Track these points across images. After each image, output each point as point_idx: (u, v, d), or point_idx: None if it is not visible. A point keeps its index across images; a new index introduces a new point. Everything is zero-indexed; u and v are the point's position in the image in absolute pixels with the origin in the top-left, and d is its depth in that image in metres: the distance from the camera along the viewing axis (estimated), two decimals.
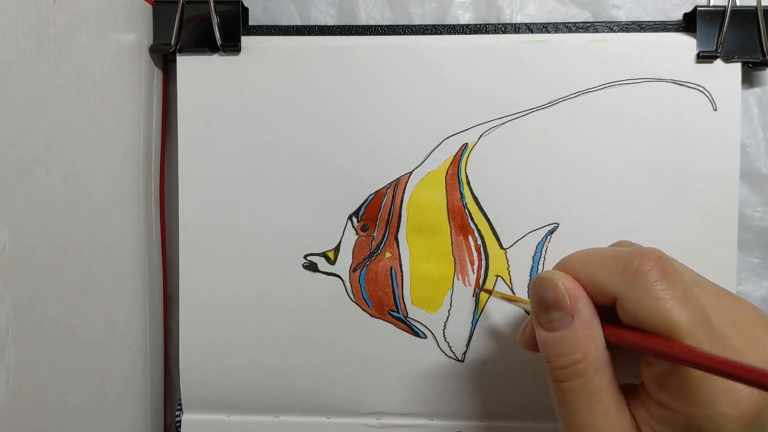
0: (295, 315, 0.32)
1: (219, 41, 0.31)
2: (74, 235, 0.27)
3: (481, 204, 0.31)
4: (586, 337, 0.22)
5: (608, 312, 0.23)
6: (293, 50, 0.31)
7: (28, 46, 0.23)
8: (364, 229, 0.31)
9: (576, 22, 0.31)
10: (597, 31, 0.31)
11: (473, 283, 0.31)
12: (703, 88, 0.30)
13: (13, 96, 0.23)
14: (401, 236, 0.31)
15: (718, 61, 0.30)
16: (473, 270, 0.31)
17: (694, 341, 0.20)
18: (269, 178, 0.31)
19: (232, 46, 0.31)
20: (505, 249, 0.31)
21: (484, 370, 0.31)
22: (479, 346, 0.31)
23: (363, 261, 0.31)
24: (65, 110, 0.26)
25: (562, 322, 0.22)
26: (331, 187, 0.31)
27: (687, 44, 0.30)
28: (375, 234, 0.31)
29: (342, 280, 0.31)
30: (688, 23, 0.30)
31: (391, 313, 0.31)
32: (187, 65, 0.31)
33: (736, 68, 0.30)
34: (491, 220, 0.31)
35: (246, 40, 0.31)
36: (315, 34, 0.31)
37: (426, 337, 0.31)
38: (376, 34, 0.31)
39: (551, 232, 0.31)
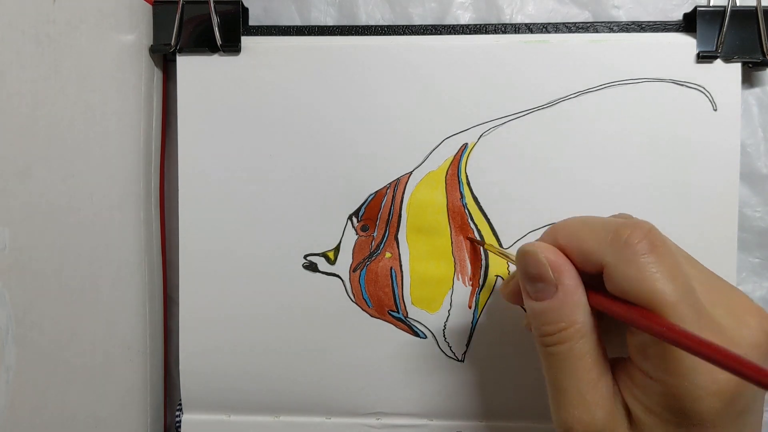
0: (295, 315, 0.32)
1: (219, 41, 0.31)
2: (74, 235, 0.27)
3: (481, 204, 0.31)
4: (571, 306, 0.22)
5: (595, 279, 0.23)
6: (293, 50, 0.31)
7: (28, 46, 0.23)
8: (364, 229, 0.31)
9: (576, 22, 0.31)
10: (597, 32, 0.31)
11: (473, 283, 0.31)
12: (703, 88, 0.30)
13: (13, 96, 0.23)
14: (401, 236, 0.31)
15: (718, 61, 0.30)
16: (473, 270, 0.31)
17: (677, 317, 0.20)
18: (269, 178, 0.31)
19: (232, 47, 0.31)
20: (505, 249, 0.31)
21: (484, 370, 0.31)
22: (479, 346, 0.31)
23: (363, 261, 0.31)
24: (65, 110, 0.26)
25: (546, 292, 0.23)
26: (331, 187, 0.31)
27: (687, 44, 0.30)
28: (375, 234, 0.31)
29: (342, 280, 0.31)
30: (688, 23, 0.30)
31: (391, 313, 0.31)
32: (187, 65, 0.31)
33: (736, 68, 0.30)
34: (491, 220, 0.31)
35: (246, 40, 0.31)
36: (315, 35, 0.31)
37: (426, 337, 0.32)
38: (376, 34, 0.31)
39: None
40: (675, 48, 0.30)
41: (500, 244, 0.31)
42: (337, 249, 0.31)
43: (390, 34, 0.31)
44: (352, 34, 0.31)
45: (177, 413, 0.33)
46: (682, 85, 0.30)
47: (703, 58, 0.30)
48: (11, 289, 0.23)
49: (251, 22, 0.33)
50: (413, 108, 0.31)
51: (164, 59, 0.33)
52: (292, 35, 0.32)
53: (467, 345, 0.31)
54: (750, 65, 0.31)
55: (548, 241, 0.24)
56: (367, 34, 0.31)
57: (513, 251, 0.31)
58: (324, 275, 0.31)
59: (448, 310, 0.31)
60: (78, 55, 0.26)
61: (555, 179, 0.30)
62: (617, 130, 0.30)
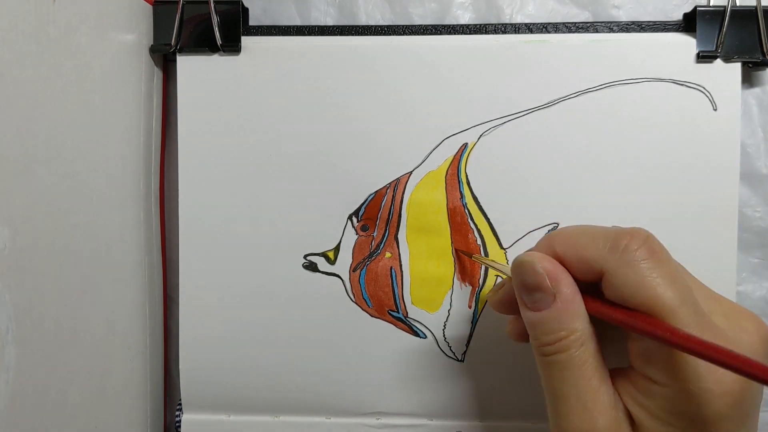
0: (295, 315, 0.32)
1: (219, 41, 0.31)
2: (74, 235, 0.27)
3: (481, 204, 0.31)
4: (569, 315, 0.22)
5: (594, 287, 0.23)
6: (293, 50, 0.31)
7: (28, 46, 0.23)
8: (364, 229, 0.31)
9: (576, 22, 0.31)
10: (597, 31, 0.31)
11: (473, 283, 0.31)
12: (703, 88, 0.30)
13: (13, 96, 0.23)
14: (401, 236, 0.31)
15: (718, 61, 0.30)
16: (473, 270, 0.31)
17: (678, 320, 0.20)
18: (269, 178, 0.31)
19: (232, 46, 0.31)
20: (504, 249, 0.31)
21: (483, 370, 0.31)
22: (479, 346, 0.31)
23: (363, 261, 0.31)
24: (65, 110, 0.26)
25: (544, 302, 0.23)
26: (331, 187, 0.31)
27: (687, 44, 0.30)
28: (375, 234, 0.31)
29: (342, 280, 0.31)
30: (688, 23, 0.30)
31: (391, 313, 0.31)
32: (187, 65, 0.31)
33: (736, 68, 0.30)
34: (491, 220, 0.31)
35: (246, 40, 0.31)
36: (315, 34, 0.31)
37: (426, 337, 0.32)
38: (376, 34, 0.31)
39: (551, 231, 0.31)
40: (675, 48, 0.30)
41: (500, 244, 0.31)
42: (337, 249, 0.31)
43: (390, 34, 0.31)
44: (352, 34, 0.31)
45: (177, 413, 0.33)
46: (682, 84, 0.30)
47: (703, 58, 0.30)
48: (11, 289, 0.23)
49: (251, 22, 0.33)
50: (413, 108, 0.31)
51: (164, 59, 0.33)
52: (292, 35, 0.32)
53: (467, 345, 0.31)
54: (750, 65, 0.31)
55: (544, 251, 0.24)
56: (367, 34, 0.31)
57: (513, 251, 0.31)
58: (324, 275, 0.31)
59: (448, 310, 0.31)
60: (78, 55, 0.26)
61: (555, 179, 0.30)
62: (617, 130, 0.30)
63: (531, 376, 0.31)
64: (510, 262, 0.31)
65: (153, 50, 0.31)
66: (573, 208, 0.30)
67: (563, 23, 0.31)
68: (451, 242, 0.31)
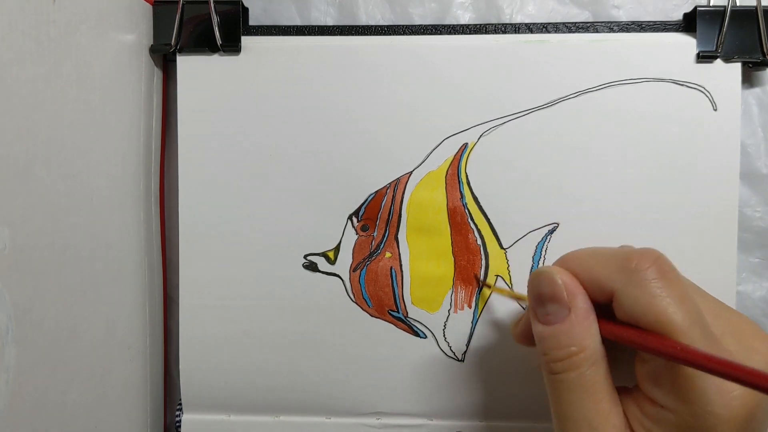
0: (295, 315, 0.32)
1: (219, 41, 0.31)
2: (74, 235, 0.27)
3: (481, 204, 0.31)
4: (583, 330, 0.22)
5: (604, 309, 0.23)
6: (293, 50, 0.31)
7: (28, 46, 0.23)
8: (364, 228, 0.31)
9: (576, 22, 0.31)
10: (597, 31, 0.31)
11: (473, 283, 0.31)
12: (703, 88, 0.30)
13: (13, 96, 0.23)
14: (401, 236, 0.31)
15: (718, 61, 0.30)
16: (473, 270, 0.31)
17: (689, 340, 0.20)
18: (269, 178, 0.31)
19: (232, 46, 0.31)
20: (505, 249, 0.31)
21: (484, 370, 0.31)
22: (479, 346, 0.31)
23: (363, 261, 0.31)
24: (65, 110, 0.26)
25: (559, 315, 0.23)
26: (331, 186, 0.31)
27: (687, 44, 0.30)
28: (375, 234, 0.31)
29: (342, 280, 0.31)
30: (688, 23, 0.30)
31: (391, 313, 0.31)
32: (187, 65, 0.31)
33: (736, 68, 0.30)
34: (491, 220, 0.31)
35: (246, 40, 0.31)
36: (315, 34, 0.31)
37: (426, 337, 0.31)
38: (376, 34, 0.31)
39: (551, 231, 0.31)
40: (675, 48, 0.30)
41: (500, 244, 0.31)
42: (337, 249, 0.31)
43: (390, 34, 0.31)
44: (352, 34, 0.31)
45: (177, 413, 0.33)
46: (682, 85, 0.30)
47: (703, 58, 0.30)
48: (11, 289, 0.23)
49: (251, 22, 0.33)
50: (413, 108, 0.31)
51: (164, 59, 0.33)
52: (292, 35, 0.32)
53: (467, 345, 0.31)
54: (750, 65, 0.31)
55: None
56: (367, 34, 0.31)
57: (513, 251, 0.31)
58: (324, 275, 0.31)
59: (448, 310, 0.31)
60: (78, 55, 0.26)
61: (555, 179, 0.30)
62: (617, 130, 0.30)
63: (531, 376, 0.31)
64: (510, 263, 0.31)
65: (153, 50, 0.31)
66: (573, 208, 0.30)
67: (563, 23, 0.31)
68: (451, 242, 0.31)
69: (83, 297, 0.27)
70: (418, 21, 0.33)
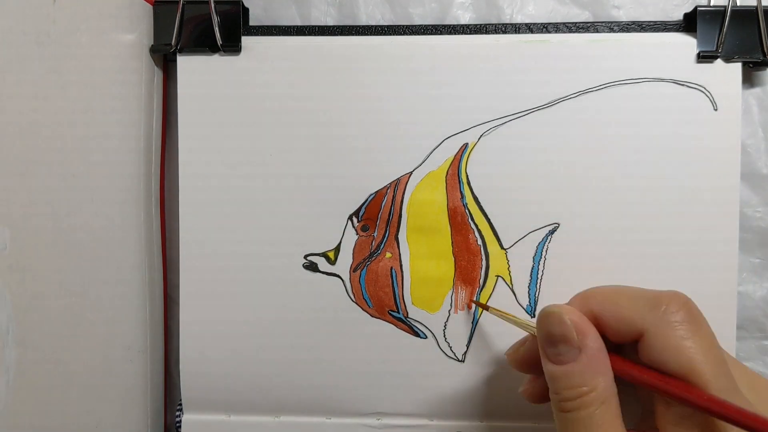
0: (296, 315, 0.32)
1: (219, 41, 0.31)
2: (74, 235, 0.27)
3: (482, 204, 0.31)
4: (594, 370, 0.22)
5: (618, 351, 0.23)
6: (293, 50, 0.31)
7: (28, 46, 0.23)
8: (364, 229, 0.31)
9: (576, 22, 0.31)
10: (597, 31, 0.31)
11: (474, 283, 0.31)
12: (704, 88, 0.30)
13: (13, 96, 0.23)
14: (401, 236, 0.31)
15: (719, 61, 0.30)
16: (473, 270, 0.31)
17: (715, 388, 0.20)
18: (269, 178, 0.31)
19: (232, 46, 0.31)
20: (505, 249, 0.31)
21: (484, 370, 0.31)
22: (479, 346, 0.31)
23: (363, 261, 0.31)
24: (65, 110, 0.26)
25: (569, 355, 0.23)
26: (332, 187, 0.31)
27: (687, 44, 0.30)
28: (375, 234, 0.31)
29: (342, 280, 0.31)
30: (689, 23, 0.30)
31: (392, 313, 0.31)
32: (187, 65, 0.31)
33: (736, 68, 0.30)
34: (491, 220, 0.31)
35: (246, 40, 0.31)
36: (315, 34, 0.31)
37: (426, 337, 0.31)
38: (376, 34, 0.31)
39: (552, 232, 0.31)
40: (675, 48, 0.30)
41: (500, 245, 0.31)
42: (337, 249, 0.31)
43: (390, 34, 0.31)
44: (353, 34, 0.31)
45: (177, 413, 0.33)
46: (683, 85, 0.30)
47: (704, 57, 0.30)
48: (11, 289, 0.23)
49: (251, 22, 0.33)
50: (413, 108, 0.31)
51: (164, 59, 0.33)
52: (292, 35, 0.32)
53: (467, 345, 0.31)
54: (750, 65, 0.31)
55: (579, 308, 0.24)
56: (367, 34, 0.31)
57: (513, 251, 0.31)
58: (324, 275, 0.31)
59: (449, 311, 0.31)
60: (78, 55, 0.26)
61: (555, 179, 0.30)
62: (617, 130, 0.30)
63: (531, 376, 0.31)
64: (510, 263, 0.31)
65: (153, 50, 0.31)
66: (573, 208, 0.30)
67: (563, 23, 0.31)
68: (452, 243, 0.31)
69: (83, 297, 0.27)
70: (418, 21, 0.33)
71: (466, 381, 0.31)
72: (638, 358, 0.23)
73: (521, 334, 0.31)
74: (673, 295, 0.22)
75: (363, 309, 0.31)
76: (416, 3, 0.33)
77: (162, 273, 0.34)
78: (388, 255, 0.31)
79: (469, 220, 0.31)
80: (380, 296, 0.31)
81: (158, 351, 0.34)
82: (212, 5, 0.30)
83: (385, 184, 0.31)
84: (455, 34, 0.31)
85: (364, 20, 0.33)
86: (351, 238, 0.31)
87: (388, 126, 0.31)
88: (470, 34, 0.31)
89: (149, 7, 0.31)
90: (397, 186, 0.31)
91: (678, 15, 0.32)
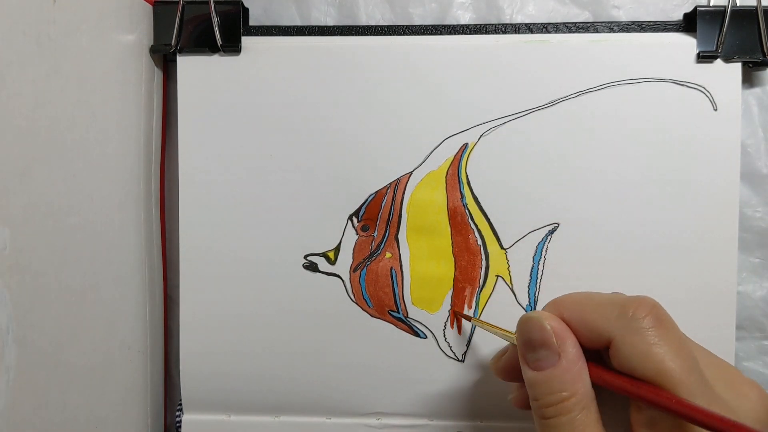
0: (296, 315, 0.32)
1: (219, 41, 0.31)
2: (74, 235, 0.27)
3: (481, 204, 0.31)
4: (573, 375, 0.22)
5: (594, 356, 0.23)
6: (293, 50, 0.31)
7: (28, 46, 0.23)
8: (364, 229, 0.31)
9: (576, 23, 0.31)
10: (597, 32, 0.31)
11: (473, 283, 0.31)
12: (704, 88, 0.30)
13: (13, 96, 0.23)
14: (401, 236, 0.31)
15: (719, 61, 0.30)
16: (473, 270, 0.31)
17: (686, 389, 0.20)
18: (269, 178, 0.31)
19: (232, 47, 0.31)
20: (505, 249, 0.31)
21: (484, 370, 0.31)
22: (479, 346, 0.31)
23: (363, 261, 0.31)
24: (65, 110, 0.26)
25: (548, 361, 0.23)
26: (332, 187, 0.31)
27: (687, 44, 0.30)
28: (375, 234, 0.31)
29: (342, 280, 0.31)
30: (689, 23, 0.30)
31: (392, 313, 0.31)
32: (187, 65, 0.31)
33: (736, 68, 0.30)
34: (491, 220, 0.31)
35: (246, 41, 0.31)
36: (315, 35, 0.31)
37: (426, 337, 0.31)
38: (376, 35, 0.31)
39: (551, 232, 0.31)
40: (675, 48, 0.30)
41: (500, 245, 0.31)
42: (337, 249, 0.31)
43: (390, 34, 0.31)
44: (352, 34, 0.31)
45: (177, 413, 0.33)
46: (683, 85, 0.30)
47: (704, 57, 0.30)
48: (11, 289, 0.23)
49: (251, 22, 0.33)
50: (413, 108, 0.31)
51: (164, 59, 0.33)
52: (292, 35, 0.32)
53: (467, 345, 0.31)
54: (750, 65, 0.31)
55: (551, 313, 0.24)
56: (367, 34, 0.31)
57: (513, 251, 0.31)
58: (324, 275, 0.31)
59: (449, 311, 0.31)
60: (78, 55, 0.26)
61: (555, 179, 0.30)
62: (617, 130, 0.30)
63: None
64: (510, 263, 0.31)
65: (153, 50, 0.31)
66: (573, 208, 0.30)
67: (563, 23, 0.31)
68: (452, 243, 0.31)
69: (83, 297, 0.27)
70: (418, 21, 0.33)
71: (465, 381, 0.31)
72: (610, 363, 0.23)
73: None
74: (641, 300, 0.22)
75: (363, 309, 0.31)
76: (416, 3, 0.33)
77: (162, 273, 0.34)
78: (388, 255, 0.31)
79: (469, 220, 0.31)
80: (380, 296, 0.31)
81: (158, 351, 0.34)
82: (212, 5, 0.30)
83: (385, 184, 0.31)
84: (455, 34, 0.31)
85: (364, 20, 0.33)
86: (351, 238, 0.31)
87: (388, 126, 0.31)
88: (470, 34, 0.31)
89: (149, 7, 0.31)
90: (397, 186, 0.31)
91: (678, 15, 0.32)
